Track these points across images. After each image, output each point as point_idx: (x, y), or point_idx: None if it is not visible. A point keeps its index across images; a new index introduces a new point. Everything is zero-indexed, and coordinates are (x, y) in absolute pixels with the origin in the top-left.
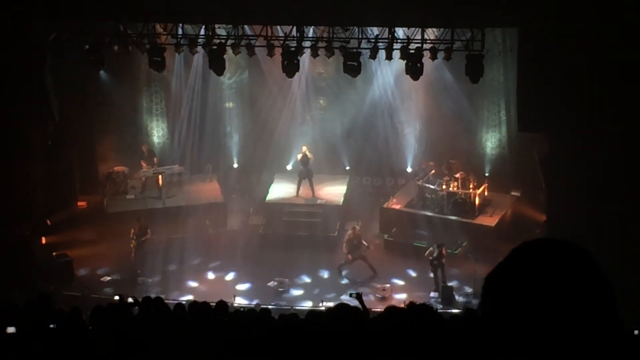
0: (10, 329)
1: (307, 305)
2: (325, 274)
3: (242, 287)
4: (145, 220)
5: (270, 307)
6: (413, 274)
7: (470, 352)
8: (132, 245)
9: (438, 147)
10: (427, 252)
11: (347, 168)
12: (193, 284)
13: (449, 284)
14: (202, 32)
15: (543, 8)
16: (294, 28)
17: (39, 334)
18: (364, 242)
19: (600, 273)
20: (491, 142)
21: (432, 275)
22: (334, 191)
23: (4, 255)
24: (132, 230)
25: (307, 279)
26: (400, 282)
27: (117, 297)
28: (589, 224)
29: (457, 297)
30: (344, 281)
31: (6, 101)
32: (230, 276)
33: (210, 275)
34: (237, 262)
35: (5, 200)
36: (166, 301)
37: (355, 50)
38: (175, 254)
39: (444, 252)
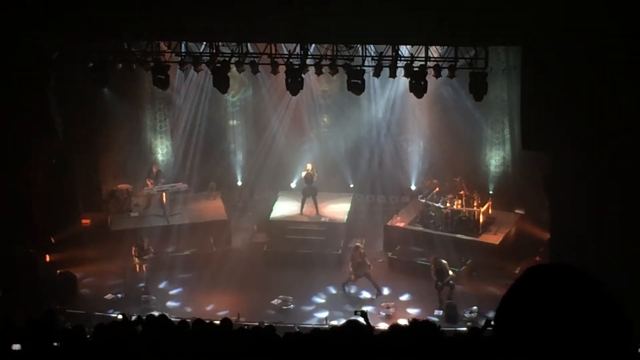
0: (16, 346)
1: (312, 323)
2: (329, 292)
3: (246, 305)
4: (145, 237)
5: (274, 324)
6: (417, 292)
7: None
8: (135, 263)
9: (442, 165)
10: (432, 270)
11: (351, 186)
12: (197, 301)
13: (452, 301)
14: (206, 49)
15: (547, 26)
16: (298, 46)
17: (43, 352)
18: (367, 261)
19: (616, 304)
20: (495, 160)
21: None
22: (338, 209)
23: (9, 273)
24: (134, 249)
25: (311, 297)
26: (404, 300)
27: (120, 316)
28: (592, 243)
29: (461, 315)
30: (348, 299)
31: (10, 119)
32: (235, 294)
33: (214, 293)
34: (241, 279)
35: (9, 218)
36: (170, 319)
37: (359, 68)
38: (179, 271)
39: (446, 267)
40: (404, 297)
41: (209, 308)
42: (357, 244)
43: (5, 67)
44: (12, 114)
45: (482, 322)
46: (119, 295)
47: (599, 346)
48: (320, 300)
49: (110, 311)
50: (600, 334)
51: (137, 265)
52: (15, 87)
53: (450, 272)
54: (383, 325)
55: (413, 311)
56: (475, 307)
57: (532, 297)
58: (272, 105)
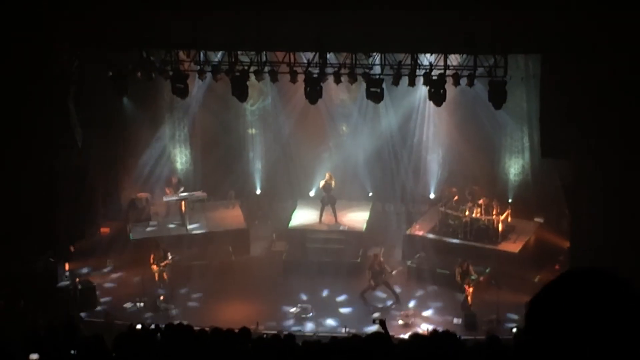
0: (34, 356)
1: (331, 332)
2: (348, 301)
3: (265, 313)
4: (164, 245)
5: (293, 333)
6: (436, 300)
7: None
8: (154, 271)
9: (461, 173)
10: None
11: (370, 194)
12: (216, 310)
13: (472, 310)
14: (225, 58)
15: (566, 34)
16: (317, 55)
17: None
18: (387, 268)
19: None
20: (514, 168)
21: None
22: (357, 217)
23: (29, 282)
24: (152, 256)
25: (330, 305)
26: (423, 309)
27: (139, 326)
28: (613, 251)
29: (480, 323)
30: (367, 307)
31: (30, 130)
32: (254, 302)
33: (233, 302)
34: (260, 288)
35: (30, 227)
36: (188, 327)
37: (378, 76)
38: (198, 280)
39: (469, 269)
40: (423, 306)
41: (227, 317)
42: (376, 252)
43: (26, 78)
44: (32, 125)
45: (501, 331)
46: (139, 304)
47: (632, 352)
48: (339, 308)
49: (130, 318)
50: (634, 340)
51: (157, 274)
52: (36, 97)
53: (473, 276)
54: (402, 334)
55: (432, 319)
56: (494, 316)
57: (564, 301)
58: (291, 114)
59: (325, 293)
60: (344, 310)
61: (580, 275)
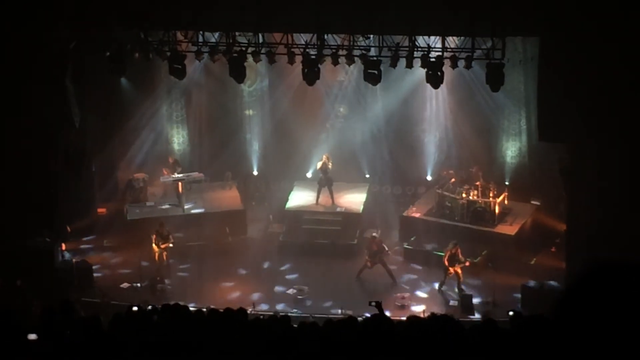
0: (32, 336)
1: (327, 313)
2: (344, 282)
3: (261, 294)
4: (166, 226)
5: (289, 314)
6: (432, 282)
7: None
8: (154, 251)
9: (458, 155)
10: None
11: (367, 176)
12: (213, 291)
13: (468, 292)
14: (223, 39)
15: (564, 17)
16: (315, 36)
17: (59, 341)
18: (385, 247)
19: None
20: (511, 150)
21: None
22: (354, 199)
23: (26, 262)
24: (154, 236)
25: (327, 287)
26: (419, 291)
27: (135, 308)
28: (609, 234)
29: (476, 306)
30: (363, 288)
31: (28, 109)
32: (250, 284)
33: (230, 283)
34: (257, 269)
35: (27, 207)
36: (185, 308)
37: (375, 58)
38: (195, 261)
39: (457, 253)
40: (419, 288)
41: (224, 297)
42: (374, 234)
43: (24, 58)
44: (30, 105)
45: (497, 313)
46: (135, 285)
47: None
48: (334, 289)
49: (126, 298)
50: None
51: (157, 254)
52: (34, 78)
53: (461, 260)
54: (398, 316)
55: (428, 301)
56: (490, 298)
57: (595, 294)
58: (288, 96)
59: (321, 274)
60: (340, 291)
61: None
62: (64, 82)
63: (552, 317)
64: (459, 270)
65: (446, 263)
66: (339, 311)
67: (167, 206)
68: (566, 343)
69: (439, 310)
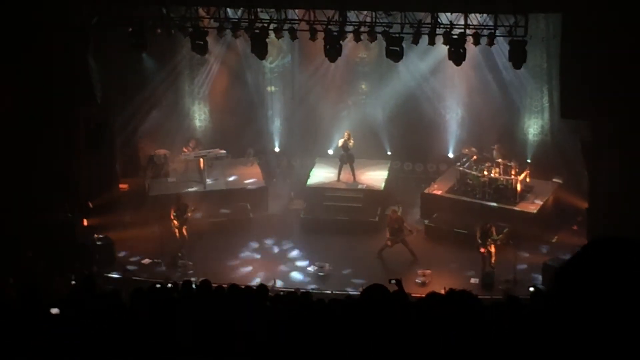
0: (54, 310)
1: (348, 290)
2: (364, 259)
3: (282, 271)
4: (184, 198)
5: (310, 291)
6: (453, 260)
7: (512, 339)
8: (174, 226)
9: (480, 133)
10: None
11: (389, 153)
12: (233, 267)
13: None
14: (245, 16)
15: None
16: (337, 12)
17: (82, 316)
18: (407, 226)
19: None
20: (533, 128)
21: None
22: (375, 176)
23: (48, 238)
24: (172, 210)
25: (348, 264)
26: (440, 268)
27: (158, 285)
28: (631, 211)
29: (497, 283)
30: (384, 266)
31: (50, 85)
32: (271, 260)
33: (251, 259)
34: (278, 246)
35: (49, 182)
36: (206, 284)
37: (397, 35)
38: (216, 237)
39: (492, 231)
40: (440, 265)
41: (245, 274)
42: (394, 209)
43: (46, 34)
44: (52, 81)
45: (518, 291)
46: (156, 260)
47: None
48: (355, 266)
49: (147, 276)
50: None
51: (177, 230)
52: (57, 53)
53: (495, 237)
54: (419, 294)
55: (449, 279)
56: (511, 276)
57: (594, 269)
58: (310, 72)
59: (342, 251)
60: (360, 268)
61: (606, 243)
62: (86, 58)
63: (548, 290)
64: (492, 249)
65: (479, 240)
66: (360, 288)
67: (189, 182)
68: (562, 318)
69: (459, 287)
